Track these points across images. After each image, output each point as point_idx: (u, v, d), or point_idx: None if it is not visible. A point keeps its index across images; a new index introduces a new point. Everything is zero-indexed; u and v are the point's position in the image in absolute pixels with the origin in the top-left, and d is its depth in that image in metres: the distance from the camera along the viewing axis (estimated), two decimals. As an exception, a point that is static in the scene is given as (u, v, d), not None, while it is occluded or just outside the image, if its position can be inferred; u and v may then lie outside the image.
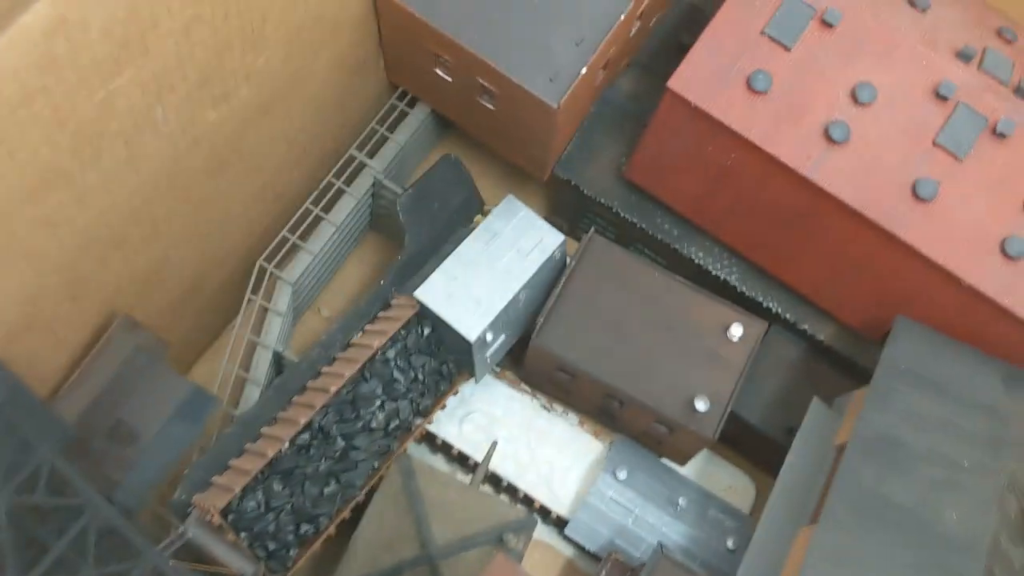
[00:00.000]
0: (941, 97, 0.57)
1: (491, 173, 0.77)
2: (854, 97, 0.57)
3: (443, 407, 0.63)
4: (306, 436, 0.55)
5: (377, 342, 0.58)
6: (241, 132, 0.53)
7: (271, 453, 0.53)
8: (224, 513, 0.52)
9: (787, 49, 0.58)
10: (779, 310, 0.67)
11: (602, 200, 0.68)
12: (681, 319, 0.61)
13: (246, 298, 0.62)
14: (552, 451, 0.66)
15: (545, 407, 0.67)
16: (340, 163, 0.67)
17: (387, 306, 0.62)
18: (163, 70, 0.43)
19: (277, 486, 0.54)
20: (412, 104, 0.71)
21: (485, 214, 0.65)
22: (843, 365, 0.67)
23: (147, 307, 0.58)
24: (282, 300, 0.63)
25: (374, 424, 0.58)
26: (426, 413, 0.62)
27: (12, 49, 0.35)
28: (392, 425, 0.59)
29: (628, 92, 0.71)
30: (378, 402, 0.58)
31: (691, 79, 0.58)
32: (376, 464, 0.59)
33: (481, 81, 0.60)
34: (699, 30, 0.71)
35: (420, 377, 0.61)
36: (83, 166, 0.43)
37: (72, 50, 0.38)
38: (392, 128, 0.70)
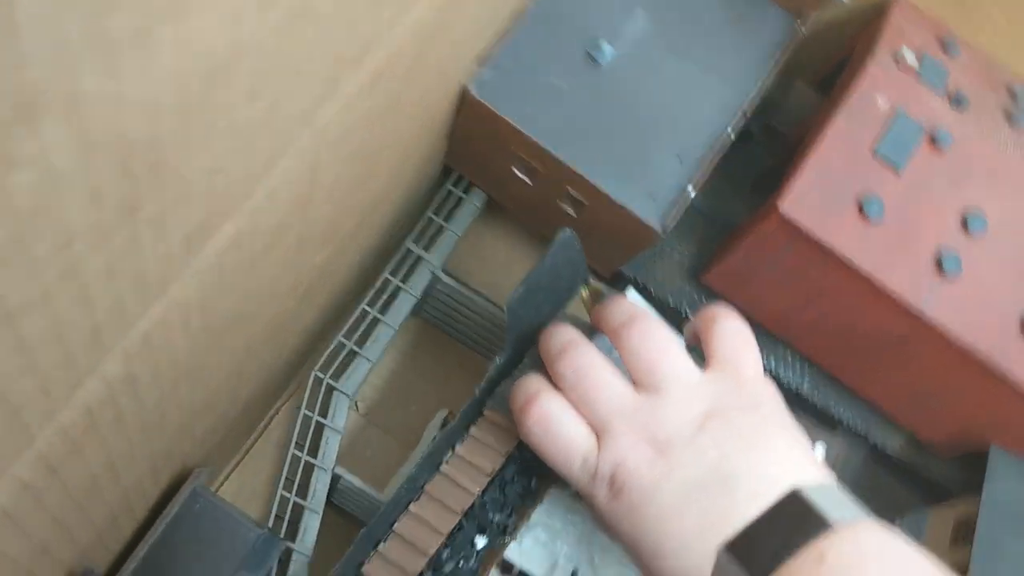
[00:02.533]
0: (1047, 228, 0.56)
1: (519, 243, 0.73)
2: (965, 227, 0.55)
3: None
4: None
5: (477, 486, 0.53)
6: (334, 260, 0.48)
7: None
8: None
9: (897, 172, 0.55)
10: (849, 421, 0.64)
11: (670, 301, 0.64)
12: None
13: (301, 414, 0.57)
14: (616, 568, 0.62)
15: (607, 519, 0.63)
16: (397, 259, 0.62)
17: (479, 415, 0.56)
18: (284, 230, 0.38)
19: None
20: (467, 190, 0.65)
21: (588, 287, 0.58)
22: (905, 474, 0.65)
23: (190, 438, 0.51)
24: (340, 416, 0.57)
25: (462, 565, 0.53)
26: (512, 532, 0.57)
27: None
28: (477, 560, 0.55)
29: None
30: (472, 547, 0.53)
31: (801, 202, 0.54)
32: None
33: (570, 191, 0.56)
34: (764, 121, 0.68)
35: (510, 501, 0.56)
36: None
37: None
38: (448, 217, 0.64)
